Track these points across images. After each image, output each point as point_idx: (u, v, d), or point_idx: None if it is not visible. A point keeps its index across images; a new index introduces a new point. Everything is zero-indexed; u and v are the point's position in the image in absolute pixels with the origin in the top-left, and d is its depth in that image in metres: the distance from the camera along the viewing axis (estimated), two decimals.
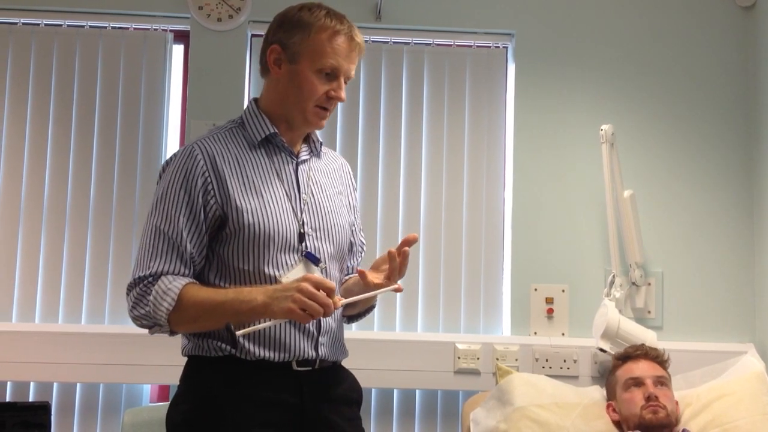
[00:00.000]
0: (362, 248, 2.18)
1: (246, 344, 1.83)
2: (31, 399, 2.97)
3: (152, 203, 1.88)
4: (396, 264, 1.83)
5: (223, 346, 1.84)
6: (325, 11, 1.91)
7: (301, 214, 1.92)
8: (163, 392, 3.09)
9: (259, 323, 1.76)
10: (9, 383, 2.98)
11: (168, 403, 1.96)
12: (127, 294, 1.83)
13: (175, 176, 1.85)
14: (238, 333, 1.72)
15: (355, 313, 2.12)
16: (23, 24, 3.12)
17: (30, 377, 2.95)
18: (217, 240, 1.86)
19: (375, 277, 1.86)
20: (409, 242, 1.84)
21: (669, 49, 3.22)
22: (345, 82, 1.93)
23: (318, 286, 1.70)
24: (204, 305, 1.77)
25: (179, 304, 1.76)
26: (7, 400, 2.95)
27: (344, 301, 1.78)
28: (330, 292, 1.70)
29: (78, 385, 3.01)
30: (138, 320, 1.82)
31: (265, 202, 1.88)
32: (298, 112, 1.92)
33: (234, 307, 1.74)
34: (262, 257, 1.85)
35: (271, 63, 1.92)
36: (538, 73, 3.19)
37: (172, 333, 1.83)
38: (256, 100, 1.99)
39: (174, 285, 1.77)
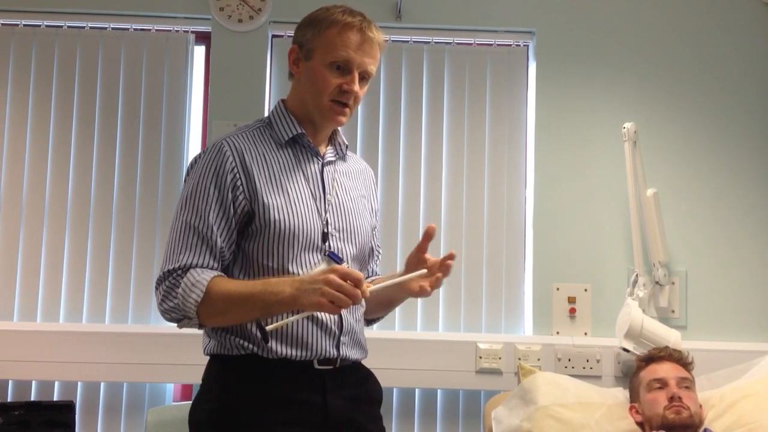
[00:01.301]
0: (379, 252, 2.19)
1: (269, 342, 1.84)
2: (55, 398, 3.00)
3: (181, 199, 1.89)
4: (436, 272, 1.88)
5: (246, 344, 1.84)
6: (342, 9, 1.92)
7: (326, 214, 1.93)
8: (186, 391, 3.11)
9: (288, 316, 1.77)
10: (34, 382, 3.01)
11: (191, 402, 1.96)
12: (156, 288, 1.84)
13: (205, 172, 1.86)
14: (268, 328, 1.73)
15: (375, 316, 2.16)
16: (46, 26, 3.15)
17: (54, 376, 2.98)
18: (243, 236, 1.88)
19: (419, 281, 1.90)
20: (429, 236, 1.89)
21: (692, 46, 3.19)
22: (365, 79, 1.93)
23: (345, 277, 1.70)
24: (232, 297, 1.78)
25: (207, 296, 1.77)
26: (32, 399, 2.98)
27: (373, 288, 1.77)
28: (358, 283, 1.70)
29: (102, 384, 3.03)
30: (167, 313, 1.82)
31: (291, 200, 1.89)
32: (315, 107, 1.93)
33: (263, 299, 1.75)
34: (287, 255, 1.86)
35: (291, 63, 1.96)
36: (560, 71, 3.18)
37: (201, 326, 1.84)
38: (284, 101, 2.01)
39: (203, 277, 1.78)
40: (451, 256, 1.89)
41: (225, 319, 1.83)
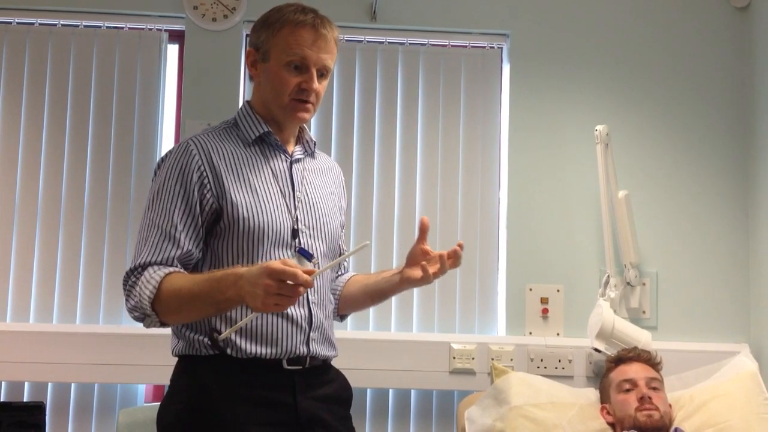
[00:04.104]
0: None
1: (237, 340, 1.83)
2: (25, 399, 2.97)
3: (148, 199, 1.89)
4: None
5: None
6: (294, 8, 1.93)
7: (295, 210, 1.93)
8: (157, 392, 3.08)
9: (244, 312, 1.81)
10: (3, 383, 2.98)
11: None
12: (123, 287, 1.84)
13: (171, 171, 1.87)
14: (220, 337, 1.77)
15: (359, 309, 2.22)
16: (18, 23, 3.12)
17: (24, 377, 2.94)
18: (211, 234, 1.88)
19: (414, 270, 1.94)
20: (424, 228, 1.95)
21: (664, 50, 3.22)
22: (324, 75, 1.94)
23: (282, 277, 1.62)
24: (183, 295, 1.76)
25: (160, 293, 1.76)
26: (2, 400, 2.95)
27: (318, 272, 1.73)
28: (295, 278, 1.63)
29: (72, 385, 3.00)
30: (131, 312, 1.82)
31: (259, 197, 1.89)
32: (278, 107, 1.94)
33: (211, 298, 1.73)
34: (256, 252, 1.86)
35: (249, 66, 1.97)
36: (533, 73, 3.20)
37: (163, 324, 1.82)
38: (249, 102, 2.02)
39: (157, 274, 1.78)
40: (460, 246, 1.93)
41: (182, 316, 1.82)
